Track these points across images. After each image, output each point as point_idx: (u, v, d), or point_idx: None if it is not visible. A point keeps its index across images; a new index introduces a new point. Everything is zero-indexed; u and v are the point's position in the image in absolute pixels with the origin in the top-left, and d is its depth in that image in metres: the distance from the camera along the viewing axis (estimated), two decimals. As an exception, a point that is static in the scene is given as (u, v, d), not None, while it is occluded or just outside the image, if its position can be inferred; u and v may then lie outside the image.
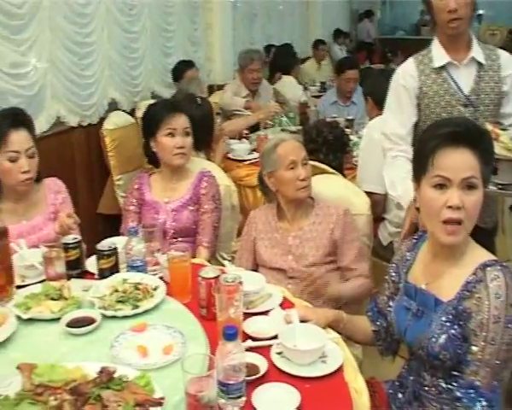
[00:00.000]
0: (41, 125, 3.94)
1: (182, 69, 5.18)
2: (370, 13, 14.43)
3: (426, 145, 1.74)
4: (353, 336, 2.08)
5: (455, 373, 1.72)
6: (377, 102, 3.66)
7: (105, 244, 2.18)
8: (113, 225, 4.15)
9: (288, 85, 6.27)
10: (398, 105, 2.66)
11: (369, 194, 2.92)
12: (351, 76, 5.49)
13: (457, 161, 1.68)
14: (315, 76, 8.43)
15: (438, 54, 2.59)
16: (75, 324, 1.87)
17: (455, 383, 1.72)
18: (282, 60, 6.78)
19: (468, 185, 1.68)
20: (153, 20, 5.48)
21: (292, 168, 2.54)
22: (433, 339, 1.72)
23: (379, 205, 3.22)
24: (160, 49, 5.69)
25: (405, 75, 2.65)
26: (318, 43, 9.12)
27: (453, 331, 1.69)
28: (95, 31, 4.57)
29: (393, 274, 1.97)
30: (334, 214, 2.55)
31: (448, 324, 1.70)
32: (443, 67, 2.56)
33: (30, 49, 3.93)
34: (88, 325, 1.86)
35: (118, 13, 4.92)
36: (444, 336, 1.70)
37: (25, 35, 3.88)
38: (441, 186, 1.69)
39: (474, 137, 1.70)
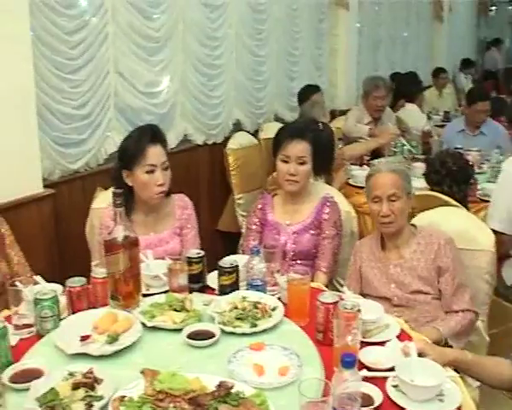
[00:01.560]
0: (170, 141, 4.12)
1: (307, 93, 5.21)
2: (499, 41, 13.93)
3: None
4: (481, 379, 1.96)
5: None
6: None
7: (227, 261, 2.23)
8: (230, 242, 4.26)
9: (411, 114, 6.17)
10: None
11: (495, 232, 2.80)
12: (482, 108, 5.25)
13: None
14: (436, 104, 8.23)
15: None
16: (195, 336, 1.93)
17: None
18: (405, 87, 6.69)
19: None
20: (280, 45, 5.61)
21: (376, 202, 2.55)
22: None
23: (505, 245, 3.08)
24: (285, 73, 5.79)
25: None
26: (439, 72, 8.90)
27: None
28: (224, 53, 4.76)
29: None
30: (435, 243, 2.51)
31: None
32: None
33: (164, 69, 4.15)
34: (208, 338, 1.91)
35: (246, 37, 5.08)
36: None
37: (160, 56, 4.11)
38: None
39: None
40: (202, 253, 2.28)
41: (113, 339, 1.88)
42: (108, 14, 3.67)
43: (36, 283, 2.18)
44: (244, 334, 1.95)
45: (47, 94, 3.32)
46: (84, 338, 1.89)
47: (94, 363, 1.75)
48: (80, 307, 2.05)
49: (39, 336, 1.97)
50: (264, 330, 1.98)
